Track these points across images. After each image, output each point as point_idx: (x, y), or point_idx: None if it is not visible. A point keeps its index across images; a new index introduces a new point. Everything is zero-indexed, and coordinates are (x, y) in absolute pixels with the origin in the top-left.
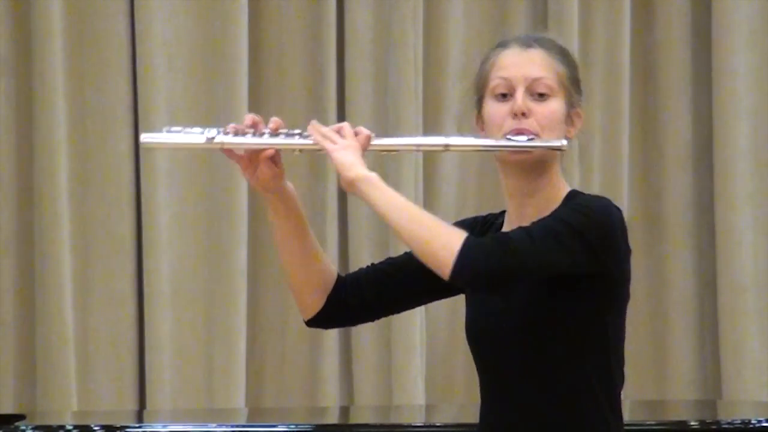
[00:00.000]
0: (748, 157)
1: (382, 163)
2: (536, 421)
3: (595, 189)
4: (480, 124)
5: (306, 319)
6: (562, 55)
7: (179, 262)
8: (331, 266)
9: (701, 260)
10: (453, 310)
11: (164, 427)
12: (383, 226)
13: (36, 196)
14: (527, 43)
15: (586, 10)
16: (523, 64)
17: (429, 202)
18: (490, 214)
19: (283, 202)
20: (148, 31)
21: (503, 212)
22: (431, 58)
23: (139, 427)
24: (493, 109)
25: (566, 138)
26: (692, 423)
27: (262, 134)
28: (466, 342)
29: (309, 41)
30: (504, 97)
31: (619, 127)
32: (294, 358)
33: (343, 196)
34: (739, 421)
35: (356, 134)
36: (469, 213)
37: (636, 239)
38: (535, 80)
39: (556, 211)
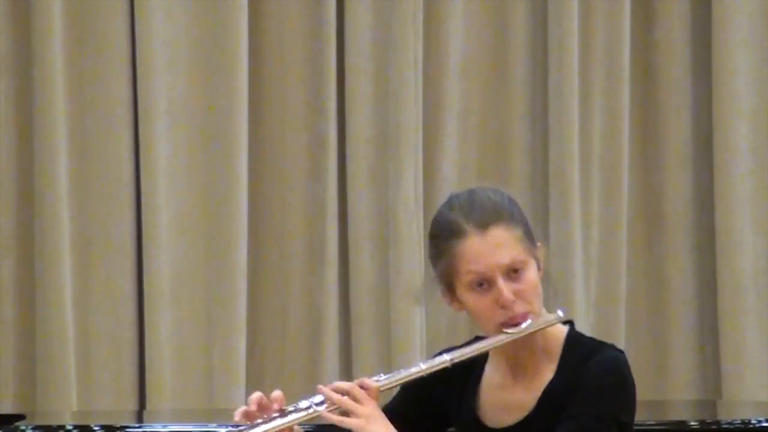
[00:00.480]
0: (748, 157)
1: (384, 163)
2: None
3: (595, 189)
4: (455, 306)
5: None
6: (511, 213)
7: (179, 262)
8: None
9: (701, 260)
10: (453, 310)
11: (164, 427)
12: (383, 226)
13: (36, 196)
14: (482, 224)
15: (586, 10)
16: (490, 252)
17: (429, 203)
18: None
19: None
20: (148, 31)
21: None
22: (431, 58)
23: (139, 427)
24: (476, 302)
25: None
26: (692, 423)
27: (272, 419)
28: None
29: (309, 41)
30: (480, 285)
31: (619, 127)
32: (294, 358)
33: (343, 196)
34: (739, 421)
35: (363, 388)
36: None
37: (636, 239)
38: (508, 264)
39: (577, 400)
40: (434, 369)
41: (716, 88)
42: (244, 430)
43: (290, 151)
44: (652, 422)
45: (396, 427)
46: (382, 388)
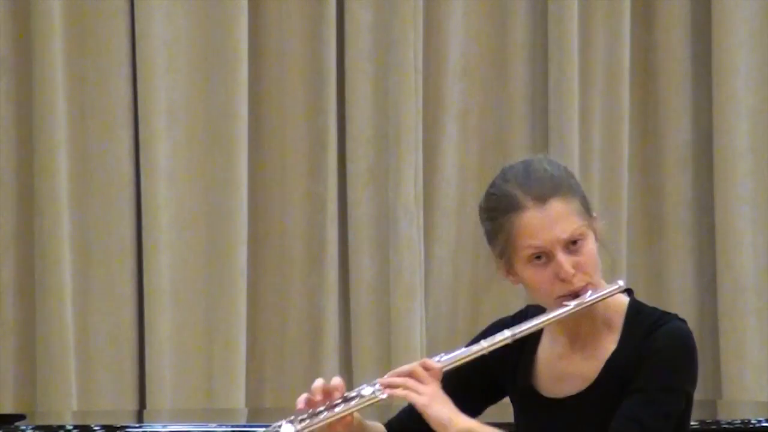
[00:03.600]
0: (748, 157)
1: (384, 163)
2: None
3: (595, 189)
4: (512, 279)
5: None
6: (570, 185)
7: (179, 262)
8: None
9: (701, 260)
10: (453, 310)
11: (164, 427)
12: (383, 226)
13: (36, 196)
14: (541, 197)
15: (586, 10)
16: (549, 226)
17: (429, 202)
18: (521, 315)
19: None
20: (148, 31)
21: (540, 312)
22: (431, 58)
23: (139, 427)
24: (535, 276)
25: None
26: (692, 423)
27: (334, 406)
28: (466, 342)
29: (309, 41)
30: (539, 259)
31: (619, 127)
32: (294, 358)
33: (343, 196)
34: (739, 421)
35: (426, 368)
36: (469, 214)
37: (636, 239)
38: (568, 238)
39: (647, 370)
40: (495, 347)
41: (716, 89)
42: (306, 417)
43: (290, 151)
44: None
45: (449, 397)
46: (443, 369)
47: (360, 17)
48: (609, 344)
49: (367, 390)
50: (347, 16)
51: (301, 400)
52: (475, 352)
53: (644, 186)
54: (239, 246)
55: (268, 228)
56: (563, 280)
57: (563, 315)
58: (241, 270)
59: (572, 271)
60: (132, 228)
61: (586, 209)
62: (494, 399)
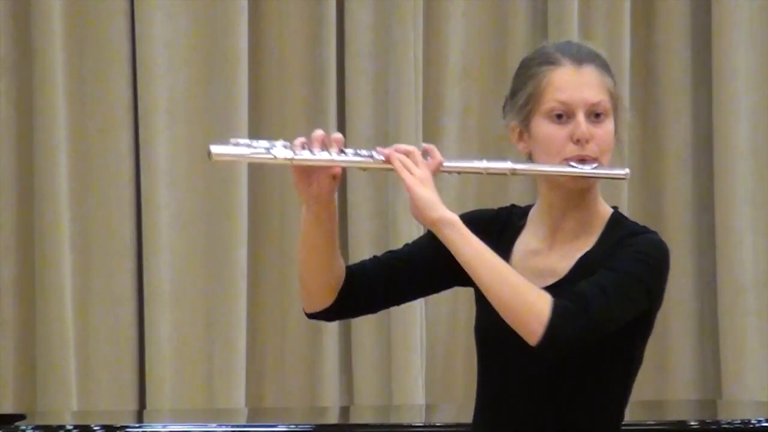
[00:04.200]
0: (748, 157)
1: None
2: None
3: None
4: (522, 139)
5: (310, 313)
6: (607, 64)
7: (179, 262)
8: (343, 263)
9: (701, 260)
10: (453, 310)
11: (164, 427)
12: (383, 226)
13: (36, 196)
14: (579, 59)
15: (586, 10)
16: (580, 85)
17: None
18: (504, 211)
19: (326, 211)
20: (148, 31)
21: (523, 211)
22: (431, 58)
23: (139, 427)
24: (551, 131)
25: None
26: (692, 423)
27: (330, 152)
28: (466, 342)
29: (309, 41)
30: (559, 118)
31: None
32: (294, 358)
33: (343, 195)
34: (739, 421)
35: (427, 155)
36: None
37: None
38: (594, 104)
39: (618, 256)
40: (494, 172)
41: (716, 89)
42: (298, 156)
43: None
44: (652, 422)
45: (419, 265)
46: (442, 168)
47: (360, 17)
48: (586, 245)
49: (364, 151)
50: (347, 16)
51: (298, 142)
52: (474, 168)
53: (644, 186)
54: (239, 246)
55: (268, 228)
56: (577, 141)
57: (565, 173)
58: (241, 270)
59: (588, 135)
60: (132, 228)
61: (617, 97)
62: (454, 282)
